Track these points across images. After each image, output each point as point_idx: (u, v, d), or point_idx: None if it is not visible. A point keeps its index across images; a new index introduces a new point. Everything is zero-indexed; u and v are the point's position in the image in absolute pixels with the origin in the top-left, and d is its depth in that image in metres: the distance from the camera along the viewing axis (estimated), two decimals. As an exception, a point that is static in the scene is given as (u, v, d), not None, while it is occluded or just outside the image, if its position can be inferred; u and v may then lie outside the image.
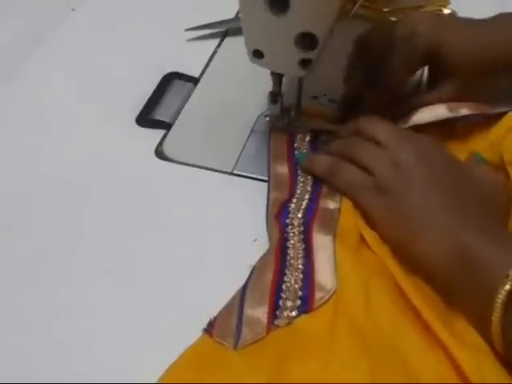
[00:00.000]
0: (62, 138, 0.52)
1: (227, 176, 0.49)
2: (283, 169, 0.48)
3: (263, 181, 0.48)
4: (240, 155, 0.50)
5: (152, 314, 0.40)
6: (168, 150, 0.51)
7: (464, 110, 0.47)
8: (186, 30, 0.60)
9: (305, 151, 0.49)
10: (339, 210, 0.43)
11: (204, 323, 0.38)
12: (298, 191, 0.46)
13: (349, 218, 0.43)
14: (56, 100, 0.55)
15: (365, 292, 0.39)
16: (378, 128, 0.44)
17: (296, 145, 0.49)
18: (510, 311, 0.34)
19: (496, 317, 0.34)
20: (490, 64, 0.46)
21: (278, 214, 0.44)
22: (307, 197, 0.45)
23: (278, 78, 0.48)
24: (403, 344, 0.36)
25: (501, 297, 0.34)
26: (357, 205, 0.43)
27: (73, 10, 0.64)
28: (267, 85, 0.48)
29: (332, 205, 0.44)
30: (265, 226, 0.44)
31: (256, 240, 0.44)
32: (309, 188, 0.46)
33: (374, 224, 0.42)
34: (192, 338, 0.38)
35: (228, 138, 0.51)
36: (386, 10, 0.61)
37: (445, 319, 0.37)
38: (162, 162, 0.50)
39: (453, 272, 0.37)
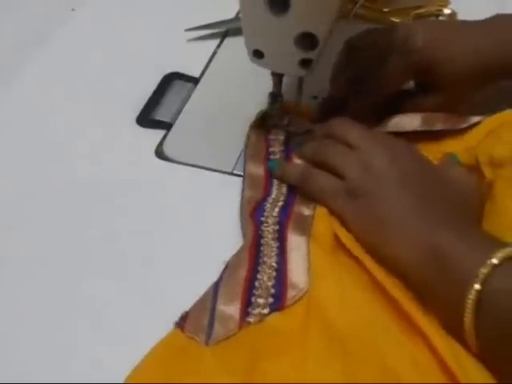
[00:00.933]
0: (61, 138, 0.52)
1: (227, 176, 0.49)
2: (259, 170, 0.48)
3: (263, 181, 0.48)
4: (240, 155, 0.50)
5: (150, 312, 0.40)
6: (168, 149, 0.51)
7: (439, 125, 0.47)
8: (186, 30, 0.60)
9: (277, 156, 0.48)
10: (313, 216, 0.43)
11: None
12: (274, 192, 0.46)
13: (323, 221, 0.43)
14: (56, 100, 0.55)
15: (340, 290, 0.39)
16: (350, 130, 0.44)
17: (271, 143, 0.49)
18: (481, 311, 0.34)
19: (468, 317, 0.34)
20: (484, 73, 0.46)
21: (253, 212, 0.44)
22: (282, 199, 0.45)
23: (278, 78, 0.48)
24: (380, 340, 0.36)
25: (471, 297, 0.34)
26: (331, 210, 0.43)
27: (73, 10, 0.64)
28: (267, 85, 0.48)
29: (306, 211, 0.44)
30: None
31: (256, 240, 0.44)
32: (284, 191, 0.46)
33: (347, 228, 0.42)
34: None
35: (228, 138, 0.51)
36: (385, 10, 0.61)
37: (424, 312, 0.37)
38: (162, 162, 0.50)
39: (425, 273, 0.37)
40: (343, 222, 0.42)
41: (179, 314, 0.40)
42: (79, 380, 0.37)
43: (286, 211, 0.44)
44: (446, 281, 0.36)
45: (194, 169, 0.49)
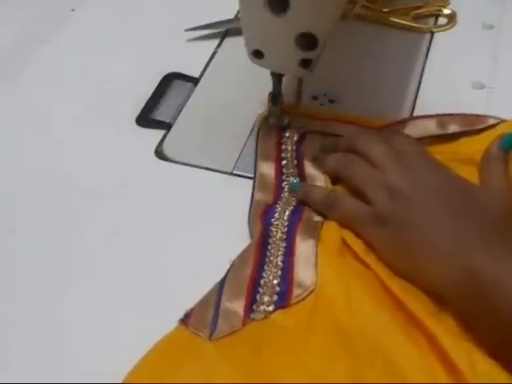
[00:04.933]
0: (61, 138, 0.52)
1: (227, 176, 0.49)
2: (270, 170, 0.47)
3: (263, 181, 0.48)
4: (240, 155, 0.50)
5: (151, 312, 0.40)
6: (168, 150, 0.51)
7: (453, 127, 0.47)
8: (186, 30, 0.60)
9: (289, 155, 0.48)
10: (322, 222, 0.43)
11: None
12: (283, 199, 0.45)
13: (332, 227, 0.42)
14: (56, 100, 0.55)
15: (346, 292, 0.39)
16: (374, 148, 0.43)
17: (283, 147, 0.49)
18: None
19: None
20: None
21: (263, 214, 0.44)
22: (293, 204, 0.45)
23: (278, 78, 0.48)
24: (387, 342, 0.36)
25: None
26: (359, 236, 0.42)
27: (73, 10, 0.64)
28: (267, 85, 0.48)
29: (316, 217, 0.44)
30: (265, 226, 0.44)
31: (256, 240, 0.44)
32: (293, 198, 0.45)
33: (378, 255, 0.41)
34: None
35: (228, 138, 0.51)
36: (385, 10, 0.61)
37: (435, 316, 0.37)
38: (162, 162, 0.50)
39: (463, 299, 0.36)
40: (373, 249, 0.41)
41: (177, 313, 0.40)
42: (81, 380, 0.37)
43: (295, 216, 0.43)
44: (484, 308, 0.35)
45: (194, 169, 0.49)
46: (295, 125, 0.50)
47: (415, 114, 0.52)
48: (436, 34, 0.60)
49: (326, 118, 0.51)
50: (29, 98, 0.55)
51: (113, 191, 0.48)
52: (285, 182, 0.47)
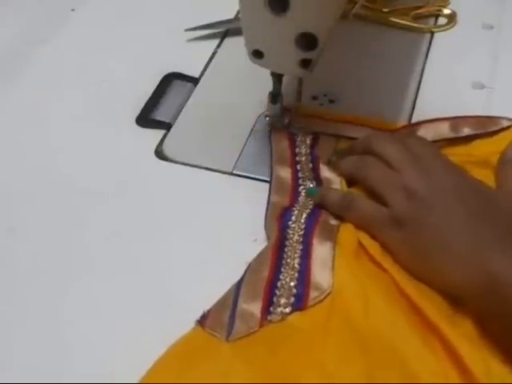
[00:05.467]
0: (61, 138, 0.52)
1: (227, 176, 0.49)
2: (287, 174, 0.47)
3: (263, 181, 0.48)
4: (240, 155, 0.50)
5: (151, 312, 0.40)
6: (168, 149, 0.51)
7: (467, 129, 0.47)
8: (186, 30, 0.60)
9: (303, 159, 0.48)
10: (338, 226, 0.43)
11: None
12: (300, 202, 0.45)
13: (349, 229, 0.42)
14: (56, 100, 0.55)
15: (363, 294, 0.39)
16: (390, 149, 0.43)
17: (297, 150, 0.49)
18: None
19: None
20: None
21: (280, 217, 0.44)
22: (310, 207, 0.44)
23: (278, 78, 0.48)
24: (402, 344, 0.36)
25: None
26: (375, 238, 0.42)
27: (73, 10, 0.64)
28: (267, 85, 0.48)
29: (333, 221, 0.44)
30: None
31: (256, 240, 0.44)
32: (310, 202, 0.45)
33: (394, 257, 0.41)
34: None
35: (228, 138, 0.51)
36: (385, 10, 0.61)
37: (451, 320, 0.36)
38: (162, 162, 0.50)
39: (480, 300, 0.36)
40: (389, 251, 0.41)
41: (178, 312, 0.40)
42: (81, 380, 0.37)
43: (312, 219, 0.43)
44: (501, 309, 0.35)
45: (194, 169, 0.49)
46: (296, 125, 0.50)
47: (415, 114, 0.52)
48: (436, 34, 0.60)
49: (331, 118, 0.51)
50: (29, 97, 0.55)
51: (113, 191, 0.48)
52: (301, 187, 0.46)
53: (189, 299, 0.41)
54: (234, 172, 0.49)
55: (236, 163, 0.49)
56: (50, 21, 0.62)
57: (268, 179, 0.48)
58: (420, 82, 0.55)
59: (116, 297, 0.42)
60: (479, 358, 0.34)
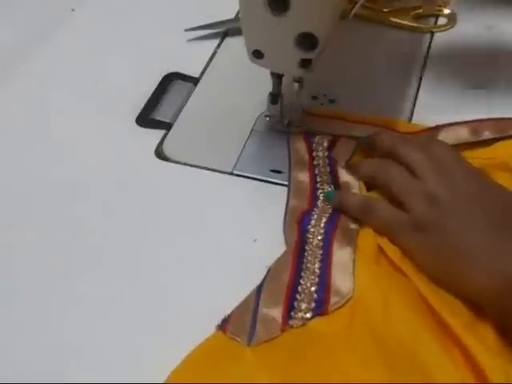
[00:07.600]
0: (61, 138, 0.52)
1: (227, 176, 0.49)
2: (305, 177, 0.47)
3: (263, 181, 0.48)
4: (240, 155, 0.50)
5: (151, 312, 0.40)
6: (168, 150, 0.51)
7: (487, 133, 0.47)
8: (186, 30, 0.60)
9: (320, 162, 0.47)
10: (358, 230, 0.43)
11: (203, 321, 0.38)
12: (319, 206, 0.45)
13: (368, 234, 0.42)
14: (56, 100, 0.55)
15: (384, 299, 0.38)
16: (412, 155, 0.43)
17: (314, 153, 0.48)
18: None
19: None
20: None
21: (299, 221, 0.44)
22: (329, 212, 0.44)
23: (278, 78, 0.48)
24: (422, 351, 0.36)
25: None
26: (395, 243, 0.42)
27: (73, 10, 0.64)
28: (267, 85, 0.48)
29: (352, 225, 0.43)
30: (265, 226, 0.44)
31: (256, 240, 0.44)
32: (329, 206, 0.45)
33: (416, 263, 0.40)
34: (189, 337, 0.37)
35: (228, 138, 0.51)
36: (385, 10, 0.61)
37: (472, 329, 0.36)
38: (162, 162, 0.50)
39: (502, 306, 0.36)
40: (409, 256, 0.41)
41: (176, 312, 0.40)
42: (81, 380, 0.37)
43: (332, 223, 0.43)
44: None
45: (194, 169, 0.49)
46: (295, 125, 0.50)
47: (415, 114, 0.52)
48: (436, 34, 0.60)
49: (345, 119, 0.51)
50: (28, 97, 0.55)
51: (113, 191, 0.48)
52: (320, 191, 0.46)
53: (189, 299, 0.41)
54: (234, 172, 0.49)
55: (236, 163, 0.49)
56: (50, 21, 0.62)
57: (268, 179, 0.48)
58: (420, 82, 0.55)
59: (115, 296, 0.41)
60: (499, 366, 0.34)
